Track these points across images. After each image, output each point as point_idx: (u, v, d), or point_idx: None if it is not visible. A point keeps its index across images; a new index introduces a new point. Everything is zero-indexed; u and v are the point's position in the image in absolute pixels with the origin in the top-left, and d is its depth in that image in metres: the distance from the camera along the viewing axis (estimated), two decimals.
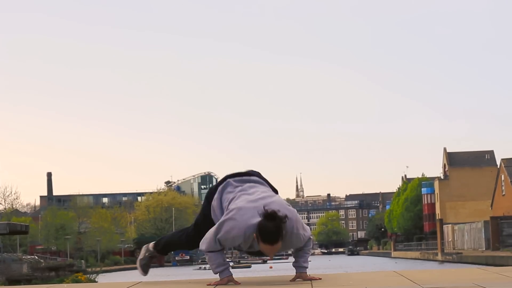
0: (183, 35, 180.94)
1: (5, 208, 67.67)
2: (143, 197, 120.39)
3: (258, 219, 4.75)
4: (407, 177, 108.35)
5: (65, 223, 77.71)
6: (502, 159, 70.75)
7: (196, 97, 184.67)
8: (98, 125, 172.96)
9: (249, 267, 67.68)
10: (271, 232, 4.70)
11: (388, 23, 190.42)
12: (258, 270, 54.95)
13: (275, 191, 5.26)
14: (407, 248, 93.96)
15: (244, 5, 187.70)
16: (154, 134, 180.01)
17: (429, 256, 73.76)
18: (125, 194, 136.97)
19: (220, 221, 4.89)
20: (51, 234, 76.63)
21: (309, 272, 5.10)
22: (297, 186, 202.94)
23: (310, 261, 5.14)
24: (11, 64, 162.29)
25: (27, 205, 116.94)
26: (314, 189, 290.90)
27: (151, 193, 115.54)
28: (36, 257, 57.86)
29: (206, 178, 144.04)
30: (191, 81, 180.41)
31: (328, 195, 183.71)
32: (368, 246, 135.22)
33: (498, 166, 73.47)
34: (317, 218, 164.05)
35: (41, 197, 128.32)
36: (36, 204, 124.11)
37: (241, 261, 79.81)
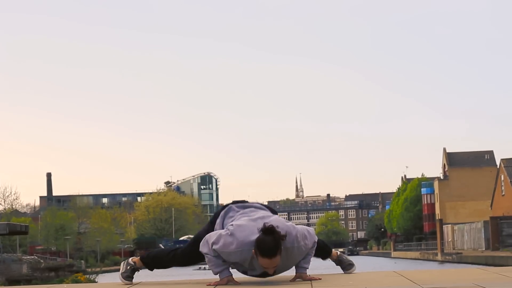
0: (183, 35, 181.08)
1: (5, 209, 67.67)
2: (142, 197, 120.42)
3: (256, 236, 4.78)
4: (407, 177, 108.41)
5: (65, 224, 77.68)
6: (502, 159, 70.75)
7: (196, 97, 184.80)
8: (98, 125, 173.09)
9: None
10: (269, 246, 4.73)
11: (388, 23, 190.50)
12: None
13: (276, 214, 5.29)
14: (407, 248, 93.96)
15: (244, 5, 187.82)
16: (154, 134, 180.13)
17: (429, 256, 73.76)
18: (124, 195, 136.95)
19: (219, 233, 4.92)
20: (51, 234, 76.60)
21: (309, 272, 5.10)
22: (296, 186, 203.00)
23: (310, 262, 5.14)
24: (11, 64, 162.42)
25: (26, 205, 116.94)
26: (314, 189, 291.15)
27: (150, 193, 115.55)
28: (36, 258, 57.86)
29: (206, 178, 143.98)
30: (191, 81, 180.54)
31: (328, 195, 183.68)
32: (368, 246, 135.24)
33: (498, 166, 73.48)
34: (316, 218, 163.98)
35: (41, 197, 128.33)
36: (36, 205, 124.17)
37: None
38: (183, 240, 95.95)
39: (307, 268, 5.08)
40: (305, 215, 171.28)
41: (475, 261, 50.21)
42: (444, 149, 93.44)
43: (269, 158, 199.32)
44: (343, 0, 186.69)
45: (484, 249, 59.09)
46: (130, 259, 5.53)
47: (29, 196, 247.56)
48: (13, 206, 71.02)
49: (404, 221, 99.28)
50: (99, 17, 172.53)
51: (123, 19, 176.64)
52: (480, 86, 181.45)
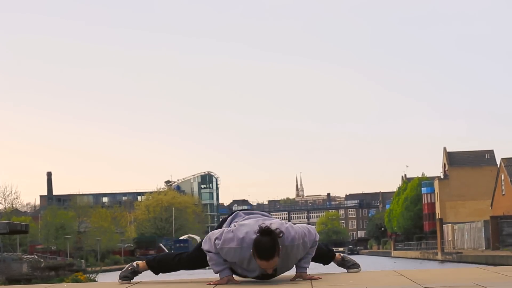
0: (183, 35, 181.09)
1: (5, 208, 67.61)
2: (143, 196, 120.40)
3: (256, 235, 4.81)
4: (407, 176, 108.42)
5: (65, 223, 77.65)
6: (502, 159, 70.75)
7: (196, 97, 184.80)
8: (98, 124, 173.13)
9: None
10: (266, 247, 4.74)
11: (388, 23, 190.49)
12: None
13: None
14: (407, 247, 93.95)
15: (244, 5, 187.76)
16: (154, 134, 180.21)
17: (429, 256, 73.73)
18: (125, 194, 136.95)
19: (222, 230, 4.97)
20: (51, 233, 76.58)
21: (309, 271, 5.11)
22: (297, 185, 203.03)
23: (311, 262, 5.15)
24: (11, 64, 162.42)
25: (27, 204, 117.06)
26: (314, 189, 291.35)
27: (151, 192, 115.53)
28: (36, 257, 57.86)
29: (206, 178, 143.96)
30: (191, 81, 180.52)
31: (328, 194, 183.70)
32: (368, 246, 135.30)
33: (498, 166, 73.47)
34: (317, 217, 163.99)
35: (41, 196, 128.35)
36: (36, 204, 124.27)
37: None
38: (183, 239, 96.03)
39: (307, 268, 5.08)
40: (305, 215, 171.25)
41: (475, 260, 50.19)
42: (445, 149, 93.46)
43: (269, 158, 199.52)
44: (343, 0, 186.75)
45: (484, 248, 59.08)
46: (135, 262, 5.54)
47: (30, 195, 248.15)
48: (14, 205, 70.97)
49: (404, 220, 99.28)
50: (99, 17, 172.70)
51: (122, 19, 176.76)
52: (480, 86, 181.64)
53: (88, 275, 35.33)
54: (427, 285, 4.51)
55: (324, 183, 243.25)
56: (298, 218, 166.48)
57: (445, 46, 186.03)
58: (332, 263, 5.69)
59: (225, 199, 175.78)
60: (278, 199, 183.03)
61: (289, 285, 4.88)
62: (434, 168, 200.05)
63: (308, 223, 5.92)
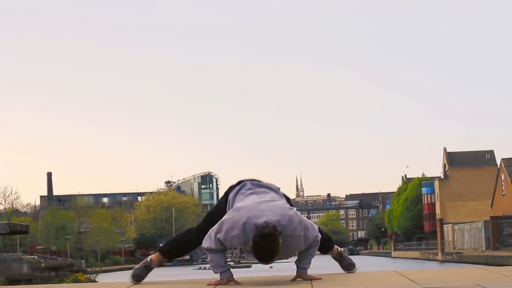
0: (183, 35, 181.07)
1: (5, 208, 67.65)
2: (143, 197, 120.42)
3: (258, 219, 4.76)
4: (407, 177, 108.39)
5: (65, 223, 77.70)
6: (502, 159, 70.76)
7: (197, 97, 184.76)
8: (99, 125, 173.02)
9: (249, 266, 67.63)
10: (265, 254, 4.73)
11: (388, 23, 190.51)
12: (259, 270, 54.88)
13: (288, 200, 5.27)
14: (407, 247, 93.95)
15: (244, 5, 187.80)
16: (154, 134, 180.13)
17: (429, 256, 73.74)
18: (125, 194, 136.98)
19: (220, 221, 4.91)
20: (51, 234, 76.62)
21: (309, 272, 5.11)
22: (297, 186, 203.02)
23: (312, 262, 5.14)
24: (11, 64, 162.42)
25: (27, 205, 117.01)
26: (314, 189, 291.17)
27: (151, 193, 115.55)
28: (36, 257, 57.87)
29: (206, 178, 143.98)
30: (191, 81, 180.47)
31: (328, 195, 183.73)
32: (368, 246, 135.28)
33: (498, 166, 73.49)
34: (317, 218, 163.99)
35: (41, 197, 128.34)
36: (36, 204, 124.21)
37: (241, 261, 79.74)
38: None
39: (308, 268, 5.08)
40: (305, 215, 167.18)
41: (476, 260, 50.20)
42: (445, 149, 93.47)
43: (269, 158, 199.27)
44: (343, 0, 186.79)
45: (484, 248, 59.08)
46: (149, 257, 5.46)
47: (30, 195, 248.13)
48: (14, 206, 71.02)
49: (404, 220, 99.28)
50: (100, 17, 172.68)
51: (122, 19, 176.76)
52: (480, 86, 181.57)
53: (88, 275, 35.32)
54: (427, 285, 4.51)
55: (324, 183, 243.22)
56: None
57: (445, 46, 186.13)
58: (329, 254, 5.63)
59: None
60: None
61: (290, 285, 4.88)
62: (434, 168, 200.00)
63: None
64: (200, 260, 78.62)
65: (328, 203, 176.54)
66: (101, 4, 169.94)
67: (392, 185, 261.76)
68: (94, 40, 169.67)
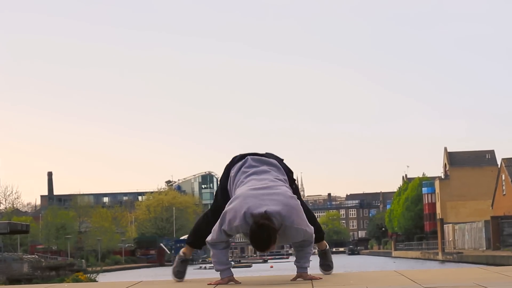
0: (183, 35, 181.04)
1: (5, 208, 67.60)
2: (143, 196, 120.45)
3: (258, 209, 4.77)
4: (408, 176, 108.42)
5: (66, 223, 77.70)
6: (503, 159, 70.76)
7: (196, 97, 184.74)
8: (99, 124, 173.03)
9: (250, 266, 67.67)
10: (261, 243, 4.74)
11: (388, 23, 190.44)
12: (259, 270, 54.92)
13: (291, 174, 5.32)
14: (408, 247, 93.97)
15: (244, 5, 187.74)
16: (155, 134, 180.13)
17: (429, 256, 73.75)
18: (125, 194, 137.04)
19: (223, 211, 4.94)
20: (52, 233, 76.62)
21: (310, 271, 5.11)
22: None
23: (311, 260, 5.14)
24: (11, 64, 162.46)
25: (27, 204, 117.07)
26: (315, 189, 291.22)
27: (151, 192, 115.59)
28: (37, 257, 57.90)
29: (206, 178, 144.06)
30: (191, 81, 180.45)
31: (329, 194, 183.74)
32: (368, 246, 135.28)
33: (499, 166, 73.48)
34: (317, 217, 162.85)
35: (42, 196, 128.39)
36: (37, 204, 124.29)
37: (242, 261, 79.77)
38: (184, 239, 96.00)
39: (308, 267, 5.08)
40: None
41: (476, 260, 50.21)
42: (445, 149, 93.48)
43: None
44: (343, 0, 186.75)
45: (485, 248, 59.07)
46: (180, 251, 5.53)
47: (30, 195, 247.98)
48: (14, 205, 70.97)
49: (405, 220, 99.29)
50: (100, 17, 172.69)
51: (122, 18, 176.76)
52: (480, 86, 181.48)
53: (88, 275, 35.36)
54: (428, 285, 4.51)
55: (325, 183, 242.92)
56: None
57: (445, 46, 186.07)
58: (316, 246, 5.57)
59: None
60: None
61: (290, 285, 4.88)
62: (435, 168, 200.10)
63: None
64: (200, 260, 78.61)
65: (328, 203, 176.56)
66: (101, 4, 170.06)
67: (392, 185, 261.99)
68: (94, 40, 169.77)
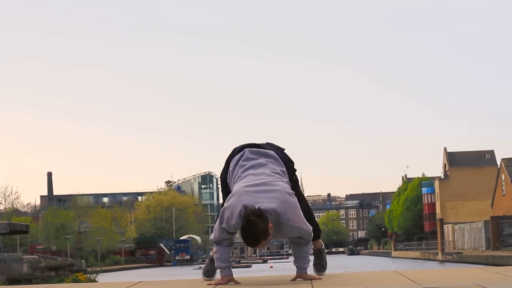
0: (183, 35, 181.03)
1: (5, 208, 67.63)
2: (143, 196, 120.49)
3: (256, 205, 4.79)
4: (407, 176, 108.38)
5: (66, 223, 77.70)
6: (503, 159, 70.75)
7: (196, 97, 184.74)
8: (99, 124, 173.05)
9: (250, 266, 67.64)
10: (250, 238, 4.76)
11: (388, 23, 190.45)
12: (259, 270, 54.93)
13: (291, 164, 5.32)
14: (408, 247, 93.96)
15: (244, 5, 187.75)
16: (154, 134, 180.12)
17: (429, 256, 73.74)
18: (125, 194, 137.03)
19: (221, 209, 4.97)
20: (51, 233, 76.62)
21: (310, 271, 5.11)
22: None
23: (310, 260, 5.15)
24: (11, 64, 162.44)
25: (27, 204, 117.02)
26: (314, 189, 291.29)
27: (151, 192, 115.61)
28: (37, 257, 57.84)
29: (206, 178, 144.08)
30: (191, 81, 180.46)
31: (328, 194, 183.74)
32: (368, 246, 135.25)
33: (499, 166, 73.47)
34: (317, 218, 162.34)
35: (42, 196, 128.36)
36: (37, 204, 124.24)
37: (242, 261, 79.74)
38: (183, 239, 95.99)
39: (307, 267, 5.08)
40: None
41: (476, 260, 50.21)
42: (445, 149, 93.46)
43: None
44: (343, 0, 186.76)
45: (484, 248, 59.07)
46: (210, 252, 5.53)
47: (30, 195, 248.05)
48: (14, 206, 71.00)
49: (404, 220, 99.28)
50: (100, 17, 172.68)
51: (122, 18, 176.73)
52: (480, 86, 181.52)
53: (88, 275, 35.34)
54: (428, 285, 4.51)
55: (324, 183, 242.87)
56: None
57: (445, 46, 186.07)
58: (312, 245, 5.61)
59: None
60: None
61: (290, 285, 4.88)
62: (435, 168, 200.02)
63: None
64: (200, 260, 78.60)
65: (328, 203, 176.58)
66: (101, 4, 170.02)
67: (392, 185, 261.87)
68: (94, 40, 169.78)
